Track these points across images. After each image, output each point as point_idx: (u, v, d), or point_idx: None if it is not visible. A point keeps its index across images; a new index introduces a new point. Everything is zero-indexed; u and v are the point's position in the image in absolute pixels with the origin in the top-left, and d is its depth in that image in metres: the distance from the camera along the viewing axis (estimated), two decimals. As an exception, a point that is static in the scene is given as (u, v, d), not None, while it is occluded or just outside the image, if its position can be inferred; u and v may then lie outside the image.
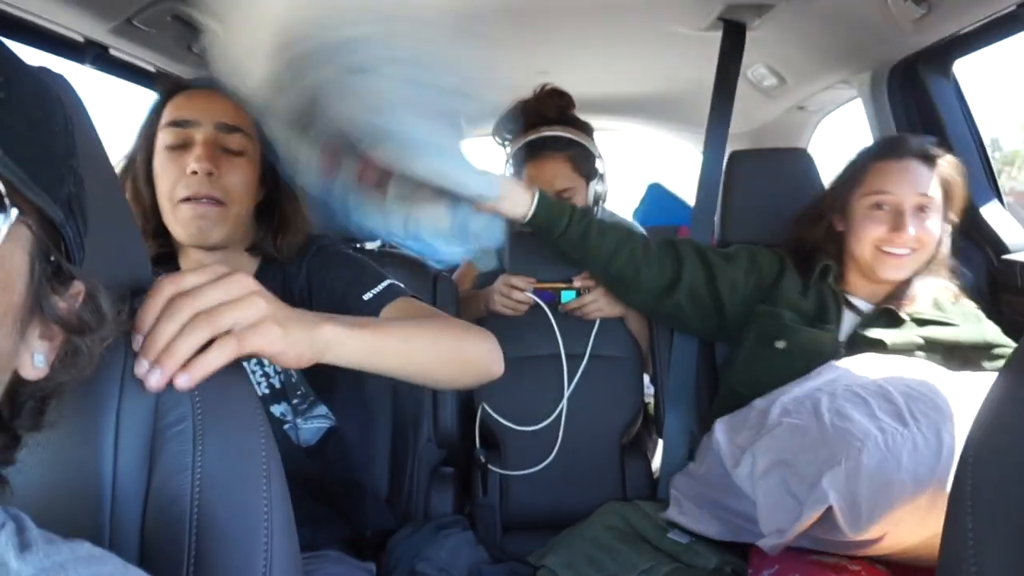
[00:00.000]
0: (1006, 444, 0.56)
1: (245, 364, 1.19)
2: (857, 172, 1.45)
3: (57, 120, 0.50)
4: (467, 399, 1.73)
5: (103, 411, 0.59)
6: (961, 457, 0.59)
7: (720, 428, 1.33)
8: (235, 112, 1.13)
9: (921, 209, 1.38)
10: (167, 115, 1.13)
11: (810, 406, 1.23)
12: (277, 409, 1.23)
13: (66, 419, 0.55)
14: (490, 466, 1.65)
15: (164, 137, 1.11)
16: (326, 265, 1.23)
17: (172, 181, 1.10)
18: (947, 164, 1.42)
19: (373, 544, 1.42)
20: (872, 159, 1.44)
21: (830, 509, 1.01)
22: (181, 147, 1.11)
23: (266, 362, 1.22)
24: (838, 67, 2.02)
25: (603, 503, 1.56)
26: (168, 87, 1.17)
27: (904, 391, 1.13)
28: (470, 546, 1.43)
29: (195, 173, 1.09)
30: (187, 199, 1.10)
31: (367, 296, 1.13)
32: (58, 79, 0.63)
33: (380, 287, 1.14)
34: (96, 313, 0.53)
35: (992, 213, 1.76)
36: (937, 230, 1.40)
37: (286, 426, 1.22)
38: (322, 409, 1.27)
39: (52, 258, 0.48)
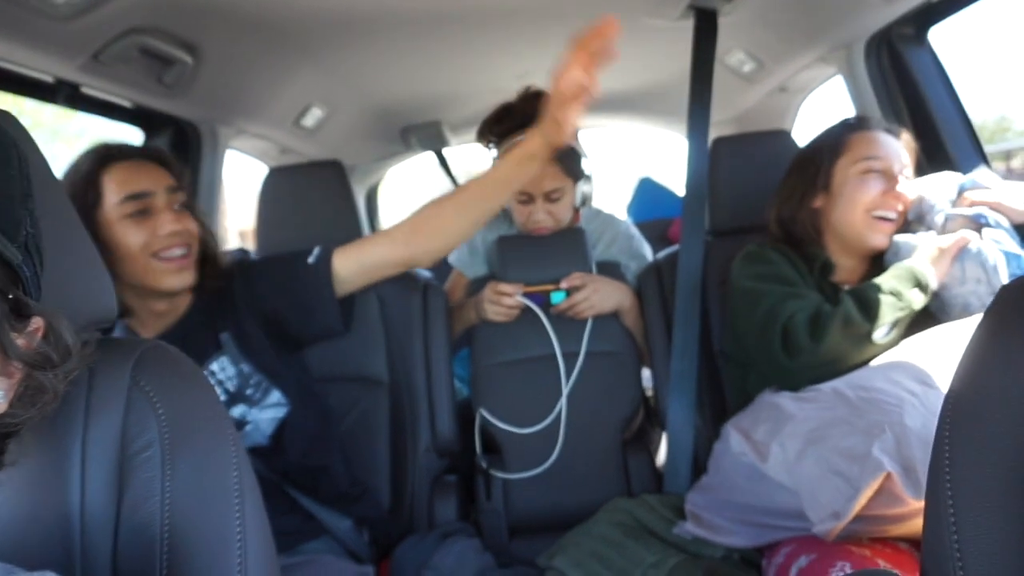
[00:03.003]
0: (984, 400, 0.54)
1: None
2: (836, 145, 1.45)
3: (12, 163, 0.51)
4: (465, 406, 1.73)
5: (68, 443, 0.59)
6: (940, 413, 0.58)
7: (733, 432, 1.32)
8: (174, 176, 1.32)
9: (901, 174, 1.42)
10: (117, 188, 1.25)
11: (825, 388, 1.22)
12: (236, 411, 1.33)
13: (30, 454, 0.55)
14: (492, 471, 1.64)
15: (122, 209, 1.24)
16: (255, 274, 1.40)
17: (143, 241, 1.25)
18: (909, 139, 1.48)
19: (376, 550, 1.42)
20: (848, 132, 1.45)
21: (884, 480, 0.98)
22: (142, 213, 1.26)
23: (216, 369, 1.34)
24: (814, 45, 2.01)
25: (608, 500, 1.55)
26: (99, 157, 1.27)
27: (914, 359, 1.12)
28: (476, 552, 1.43)
29: (171, 234, 1.27)
30: (162, 256, 1.27)
31: (311, 259, 1.37)
32: (4, 116, 0.63)
33: (317, 250, 1.39)
34: (59, 347, 0.53)
35: (978, 178, 1.75)
36: (909, 197, 1.43)
37: (248, 427, 1.33)
38: (276, 395, 1.36)
39: (10, 296, 0.49)
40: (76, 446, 0.59)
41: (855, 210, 1.40)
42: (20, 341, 0.50)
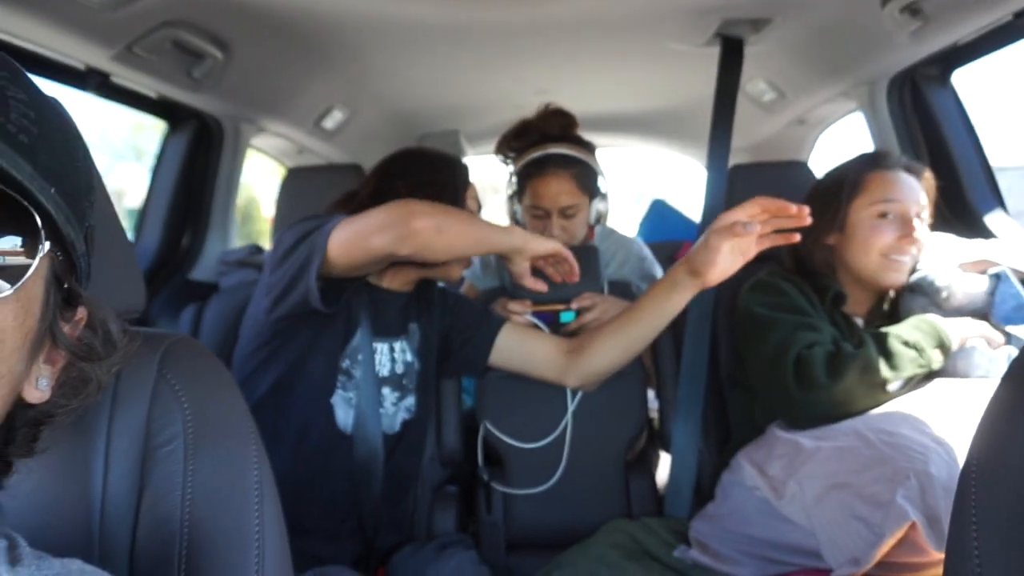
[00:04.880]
0: (1009, 458, 0.55)
1: (381, 344, 1.39)
2: (853, 185, 1.44)
3: (80, 154, 0.51)
4: (470, 417, 1.72)
5: (93, 432, 0.59)
6: (963, 471, 0.58)
7: (746, 464, 1.31)
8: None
9: (918, 216, 1.40)
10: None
11: (846, 428, 1.21)
12: (386, 391, 1.41)
13: (56, 444, 0.55)
14: (493, 484, 1.64)
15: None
16: (454, 296, 1.58)
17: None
18: (928, 177, 1.45)
19: (377, 559, 1.42)
20: (865, 171, 1.44)
21: (908, 529, 0.97)
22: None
23: (398, 347, 1.44)
24: (836, 80, 2.02)
25: (608, 520, 1.55)
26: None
27: (937, 409, 1.12)
28: (473, 565, 1.42)
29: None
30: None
31: (494, 317, 1.54)
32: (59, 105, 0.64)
33: (496, 317, 1.54)
34: (106, 341, 0.53)
35: (996, 222, 1.76)
36: (928, 235, 1.42)
37: (381, 409, 1.39)
38: (411, 401, 1.46)
39: (65, 285, 0.49)
40: (101, 436, 0.59)
41: (869, 253, 1.40)
42: (66, 329, 0.50)
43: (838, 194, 1.44)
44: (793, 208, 1.19)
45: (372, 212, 1.24)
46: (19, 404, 0.49)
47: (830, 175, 1.51)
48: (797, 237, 1.21)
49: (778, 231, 1.22)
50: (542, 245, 1.37)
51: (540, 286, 1.43)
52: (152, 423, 0.61)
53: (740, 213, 1.22)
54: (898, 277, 1.40)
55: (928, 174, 1.46)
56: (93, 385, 0.52)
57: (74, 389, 0.51)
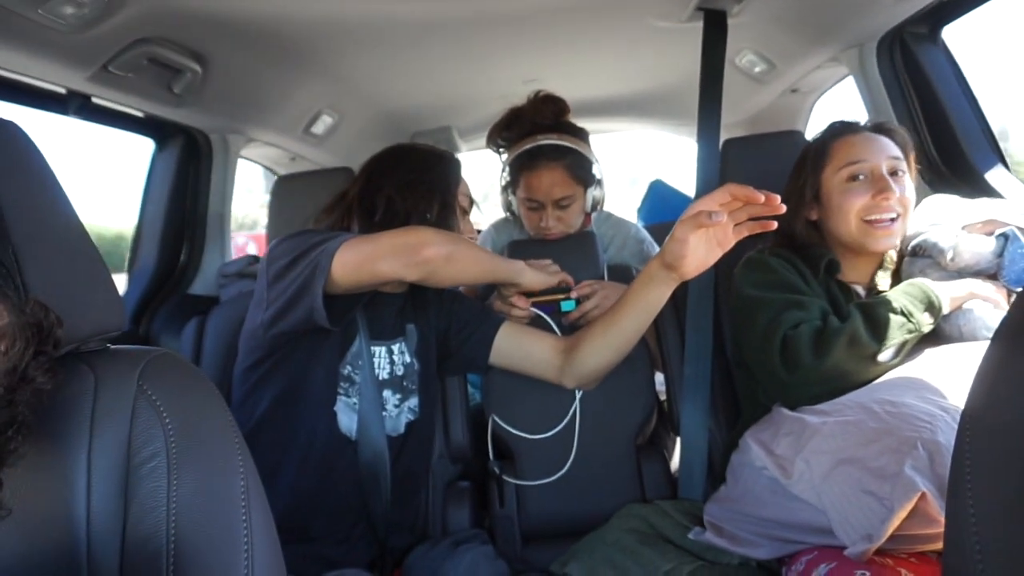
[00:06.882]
0: (1000, 417, 0.54)
1: (379, 347, 1.38)
2: (820, 154, 1.42)
3: None
4: (478, 412, 1.72)
5: (73, 452, 0.58)
6: (959, 430, 0.57)
7: (753, 444, 1.29)
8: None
9: (895, 173, 1.36)
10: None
11: (850, 402, 1.19)
12: (387, 394, 1.41)
13: (36, 462, 0.54)
14: (505, 477, 1.63)
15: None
16: (452, 294, 1.57)
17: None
18: (900, 132, 1.42)
19: (392, 561, 1.42)
20: (831, 139, 1.42)
21: (918, 500, 0.95)
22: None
23: (396, 349, 1.43)
24: (824, 45, 1.99)
25: (622, 506, 1.54)
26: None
27: (939, 375, 1.10)
28: (489, 560, 1.41)
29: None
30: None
31: (493, 318, 1.53)
32: (9, 126, 0.63)
33: (497, 317, 1.54)
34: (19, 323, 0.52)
35: (997, 178, 1.73)
36: (913, 192, 1.38)
37: (383, 412, 1.39)
38: (414, 402, 1.45)
39: None
40: (82, 456, 0.58)
41: (848, 218, 1.36)
42: None
43: (807, 168, 1.43)
44: (760, 197, 1.11)
45: (381, 236, 1.25)
46: None
47: (802, 152, 1.48)
48: (774, 225, 1.16)
49: (755, 218, 1.16)
50: (543, 282, 1.49)
51: (525, 304, 1.52)
52: (134, 440, 0.60)
53: (708, 202, 1.15)
54: (887, 240, 1.36)
55: (900, 129, 1.43)
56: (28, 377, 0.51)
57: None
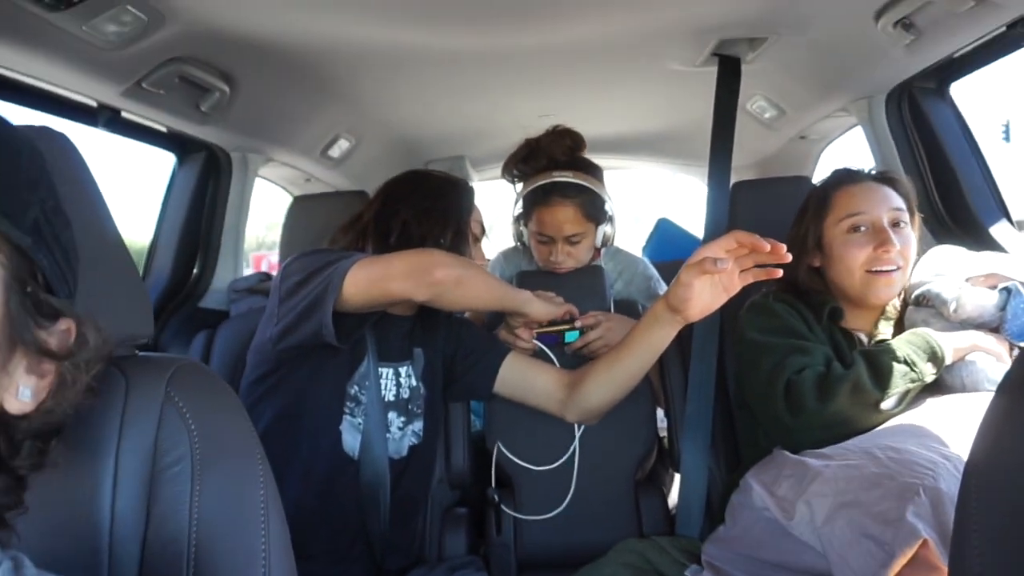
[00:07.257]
0: (1006, 468, 0.55)
1: (386, 369, 1.40)
2: (822, 203, 1.43)
3: (23, 154, 0.51)
4: (478, 439, 1.73)
5: (102, 454, 0.60)
6: (963, 481, 0.58)
7: (755, 485, 1.28)
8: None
9: (896, 224, 1.37)
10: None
11: (852, 446, 1.19)
12: (392, 416, 1.43)
13: (65, 462, 0.56)
14: (503, 507, 1.63)
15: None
16: (461, 322, 1.61)
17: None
18: (903, 182, 1.43)
19: None
20: (832, 189, 1.43)
21: (919, 546, 0.95)
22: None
23: (403, 372, 1.45)
24: (835, 95, 2.04)
25: (619, 540, 1.54)
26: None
27: (942, 424, 1.11)
28: (484, 587, 1.42)
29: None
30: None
31: (501, 347, 1.56)
32: (58, 137, 0.66)
33: (502, 348, 1.56)
34: (80, 341, 0.52)
35: (1002, 233, 1.75)
36: (915, 243, 1.40)
37: (387, 434, 1.41)
38: (418, 426, 1.46)
39: (29, 289, 0.48)
40: (110, 458, 0.60)
41: (851, 271, 1.37)
42: (49, 339, 0.50)
43: (809, 217, 1.44)
44: (766, 246, 1.12)
45: (394, 257, 1.28)
46: (6, 416, 0.48)
47: (805, 200, 1.50)
48: (779, 273, 1.18)
49: (760, 265, 1.18)
50: (549, 312, 1.51)
51: (528, 336, 1.55)
52: (160, 444, 0.62)
53: (714, 248, 1.17)
54: (888, 292, 1.38)
55: (904, 179, 1.44)
56: (69, 386, 0.51)
57: (60, 394, 0.51)
